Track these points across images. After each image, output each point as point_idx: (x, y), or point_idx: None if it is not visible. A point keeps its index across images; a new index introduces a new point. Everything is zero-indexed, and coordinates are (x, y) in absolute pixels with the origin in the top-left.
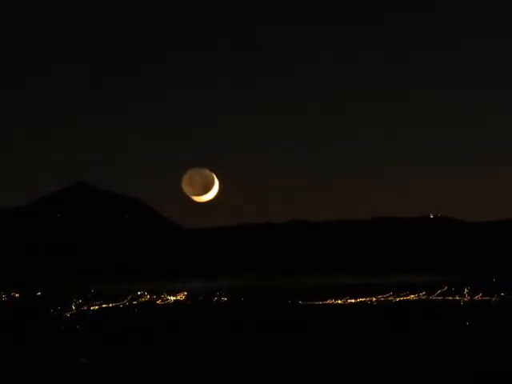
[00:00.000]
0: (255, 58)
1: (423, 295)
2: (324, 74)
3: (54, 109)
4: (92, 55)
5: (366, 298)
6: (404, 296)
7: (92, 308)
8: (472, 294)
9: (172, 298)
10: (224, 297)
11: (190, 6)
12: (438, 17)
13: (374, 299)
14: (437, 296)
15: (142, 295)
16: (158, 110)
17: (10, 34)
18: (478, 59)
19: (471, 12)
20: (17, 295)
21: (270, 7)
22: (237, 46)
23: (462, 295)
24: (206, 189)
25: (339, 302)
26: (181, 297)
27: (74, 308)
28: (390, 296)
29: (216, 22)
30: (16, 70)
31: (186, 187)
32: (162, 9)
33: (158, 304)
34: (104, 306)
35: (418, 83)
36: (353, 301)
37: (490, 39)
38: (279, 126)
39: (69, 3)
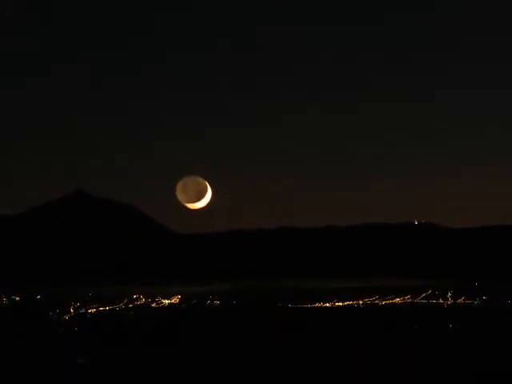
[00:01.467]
0: (255, 58)
1: (408, 298)
2: (324, 74)
3: (54, 109)
4: (92, 55)
5: (353, 301)
6: (390, 299)
7: (90, 311)
8: (455, 297)
9: (166, 302)
10: (217, 300)
11: (190, 6)
12: (438, 17)
13: (360, 302)
14: (421, 299)
15: (138, 298)
16: (158, 110)
17: (10, 34)
18: (478, 59)
19: (471, 12)
20: (17, 299)
21: (270, 7)
22: (237, 46)
23: (446, 298)
24: (199, 196)
25: (327, 305)
26: (175, 300)
27: (72, 311)
28: (377, 299)
29: (216, 22)
30: (16, 70)
31: (179, 194)
32: (162, 9)
33: (153, 307)
34: (101, 308)
35: (418, 83)
36: (340, 304)
37: (490, 39)
38: (279, 125)
39: (69, 3)
